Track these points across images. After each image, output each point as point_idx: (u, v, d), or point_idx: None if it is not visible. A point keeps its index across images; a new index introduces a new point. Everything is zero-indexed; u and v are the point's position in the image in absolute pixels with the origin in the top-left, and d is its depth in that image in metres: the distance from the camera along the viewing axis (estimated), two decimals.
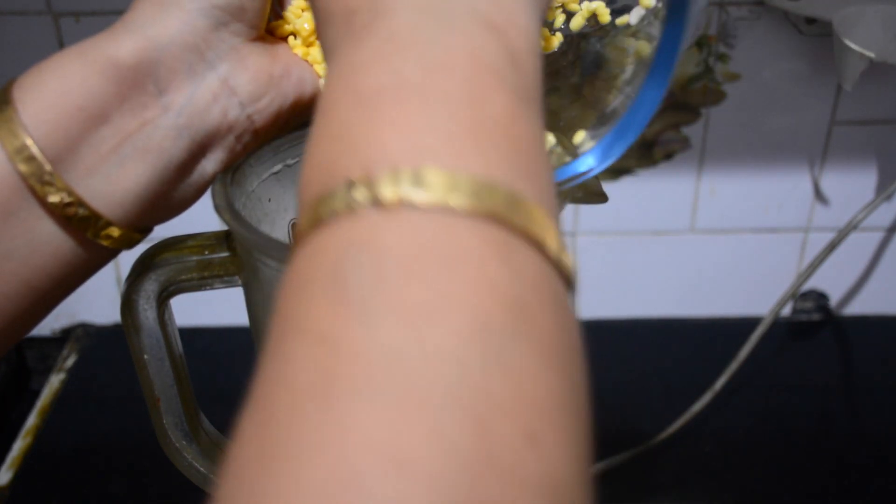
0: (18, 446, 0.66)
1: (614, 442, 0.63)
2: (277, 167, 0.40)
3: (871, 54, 0.58)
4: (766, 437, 0.66)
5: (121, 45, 0.31)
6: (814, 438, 0.66)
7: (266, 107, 0.34)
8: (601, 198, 0.40)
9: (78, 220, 0.31)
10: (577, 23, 0.36)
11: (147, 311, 0.39)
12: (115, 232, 0.32)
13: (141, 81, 0.31)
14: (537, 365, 0.19)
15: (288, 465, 0.17)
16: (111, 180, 0.31)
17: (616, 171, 0.71)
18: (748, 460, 0.64)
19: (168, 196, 0.34)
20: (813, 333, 0.77)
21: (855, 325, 0.77)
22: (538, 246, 0.21)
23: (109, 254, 0.33)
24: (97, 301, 0.75)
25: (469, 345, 0.18)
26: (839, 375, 0.73)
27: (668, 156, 0.71)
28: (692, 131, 0.69)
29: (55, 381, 0.72)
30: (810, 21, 0.64)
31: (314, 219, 0.21)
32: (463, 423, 0.17)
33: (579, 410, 0.20)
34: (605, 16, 0.36)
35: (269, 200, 0.40)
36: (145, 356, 0.40)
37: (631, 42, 0.35)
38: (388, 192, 0.20)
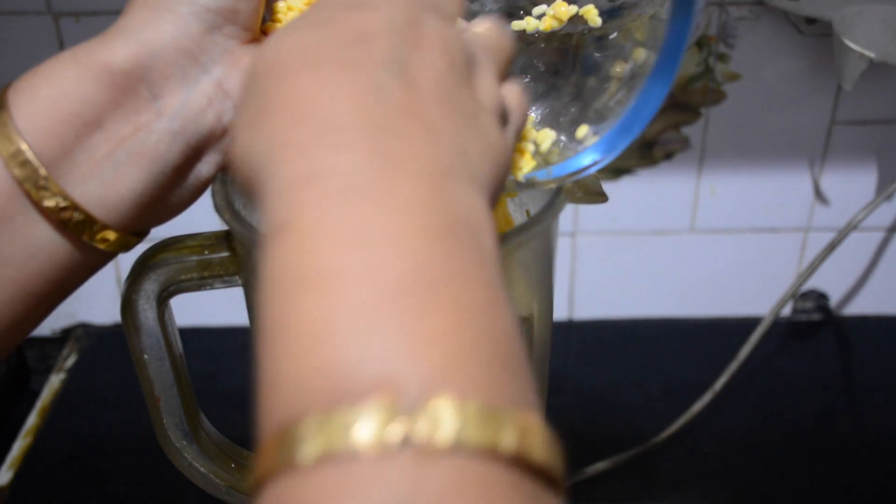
0: (18, 446, 0.66)
1: (614, 442, 0.64)
2: None
3: (871, 54, 0.58)
4: (766, 437, 0.66)
5: (114, 50, 0.31)
6: (814, 438, 0.66)
7: None
8: (601, 198, 0.40)
9: (74, 225, 0.31)
10: (547, 24, 0.36)
11: (147, 311, 0.39)
12: (111, 235, 0.32)
13: (135, 86, 0.31)
14: None
15: None
16: (106, 185, 0.31)
17: (616, 171, 0.71)
18: (748, 460, 0.64)
19: (164, 199, 0.34)
20: (813, 333, 0.77)
21: (855, 325, 0.77)
22: (557, 486, 0.19)
23: (106, 257, 0.33)
24: (97, 301, 0.75)
25: None
26: (839, 375, 0.73)
27: (668, 156, 0.71)
28: (692, 131, 0.69)
29: (55, 381, 0.72)
30: (810, 21, 0.64)
31: (319, 447, 0.17)
32: None
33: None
34: (594, 19, 0.36)
35: None
36: (145, 356, 0.40)
37: (630, 39, 0.35)
38: (428, 430, 0.17)
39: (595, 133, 0.34)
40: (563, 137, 0.35)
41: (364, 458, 0.17)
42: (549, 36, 0.37)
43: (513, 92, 0.30)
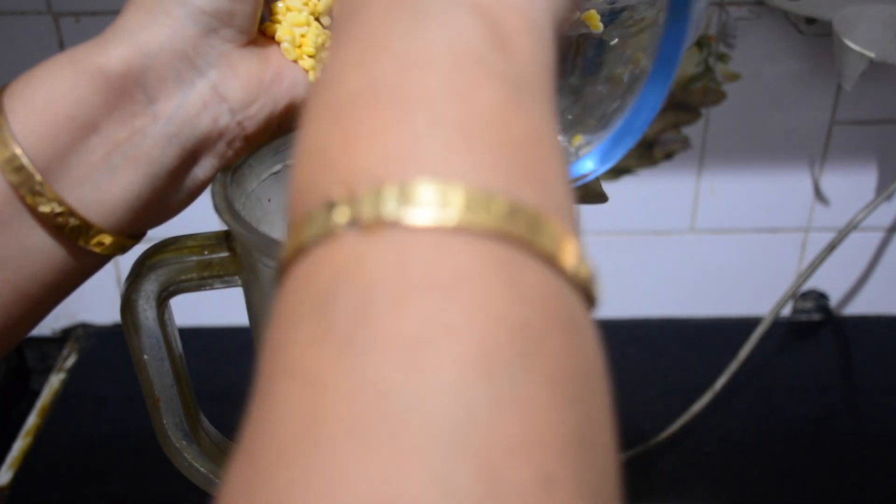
0: (18, 446, 0.66)
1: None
2: (277, 167, 0.40)
3: (871, 54, 0.58)
4: (766, 437, 0.66)
5: (109, 53, 0.31)
6: (814, 438, 0.66)
7: (257, 113, 0.34)
8: (601, 198, 0.40)
9: (69, 230, 0.31)
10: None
11: (147, 311, 0.39)
12: (106, 239, 0.32)
13: (130, 90, 0.31)
14: (549, 397, 0.17)
15: None
16: (102, 189, 0.31)
17: (616, 171, 0.71)
18: (748, 460, 0.64)
19: (159, 203, 0.33)
20: (813, 333, 0.77)
21: (855, 325, 0.77)
22: (549, 259, 0.19)
23: (102, 260, 0.33)
24: (97, 301, 0.75)
25: (471, 378, 0.16)
26: (839, 375, 0.73)
27: (668, 156, 0.71)
28: (692, 131, 0.69)
29: (55, 381, 0.72)
30: (810, 21, 0.64)
31: (296, 246, 0.19)
32: (467, 468, 0.16)
33: (600, 441, 0.18)
34: (596, 23, 0.36)
35: (269, 200, 0.40)
36: (145, 356, 0.40)
37: (630, 45, 0.35)
38: (370, 211, 0.18)
39: (588, 143, 0.34)
40: (561, 142, 0.35)
41: (319, 246, 0.19)
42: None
43: None
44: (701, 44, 0.66)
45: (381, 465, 0.15)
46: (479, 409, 0.16)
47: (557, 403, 0.17)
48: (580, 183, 0.35)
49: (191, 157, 0.33)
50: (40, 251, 0.31)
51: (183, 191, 0.34)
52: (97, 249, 0.32)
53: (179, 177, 0.33)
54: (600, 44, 0.36)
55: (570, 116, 0.36)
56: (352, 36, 0.22)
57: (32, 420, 0.68)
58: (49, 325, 0.76)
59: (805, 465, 0.63)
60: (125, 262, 0.36)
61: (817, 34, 0.65)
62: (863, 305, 0.77)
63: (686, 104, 0.68)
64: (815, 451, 0.65)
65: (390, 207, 0.18)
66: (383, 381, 0.16)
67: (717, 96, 0.68)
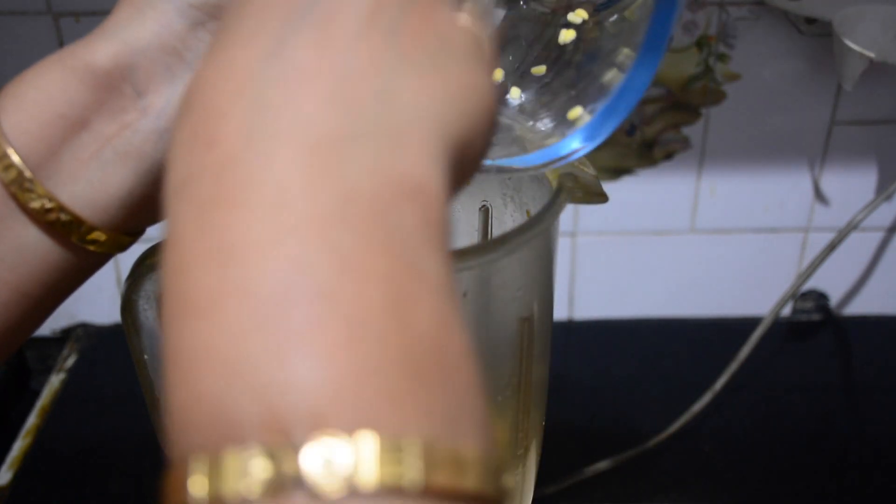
0: (18, 446, 0.66)
1: (614, 442, 0.64)
2: None
3: (871, 54, 0.58)
4: (766, 437, 0.66)
5: (97, 50, 0.31)
6: (814, 438, 0.66)
7: None
8: (601, 198, 0.40)
9: (61, 226, 0.31)
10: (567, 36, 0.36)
11: (147, 311, 0.39)
12: (101, 237, 0.32)
13: (118, 85, 0.31)
14: None
15: None
16: (94, 186, 0.31)
17: (616, 171, 0.71)
18: (748, 460, 0.64)
19: (154, 199, 0.33)
20: (813, 333, 0.77)
21: (855, 325, 0.77)
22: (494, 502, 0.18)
23: (99, 259, 0.33)
24: (97, 301, 0.75)
25: None
26: (839, 375, 0.73)
27: (668, 156, 0.71)
28: (692, 131, 0.69)
29: (55, 381, 0.72)
30: (810, 21, 0.64)
31: (208, 490, 0.16)
32: None
33: None
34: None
35: None
36: (145, 356, 0.40)
37: (627, 23, 0.35)
38: (320, 471, 0.16)
39: (591, 112, 0.34)
40: (547, 123, 0.35)
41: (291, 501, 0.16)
42: (548, 17, 0.37)
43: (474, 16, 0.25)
44: (701, 44, 0.66)
45: None
46: None
47: None
48: (567, 161, 0.34)
49: None
50: (36, 250, 0.31)
51: None
52: (92, 247, 0.32)
53: None
54: (599, 23, 0.36)
55: (573, 93, 0.35)
56: (261, 193, 0.18)
57: (32, 420, 0.68)
58: (49, 325, 0.76)
59: (805, 465, 0.63)
60: (125, 262, 0.36)
61: (817, 34, 0.65)
62: (863, 305, 0.77)
63: (686, 104, 0.68)
64: (815, 451, 0.65)
65: (343, 465, 0.16)
66: None
67: (717, 96, 0.68)
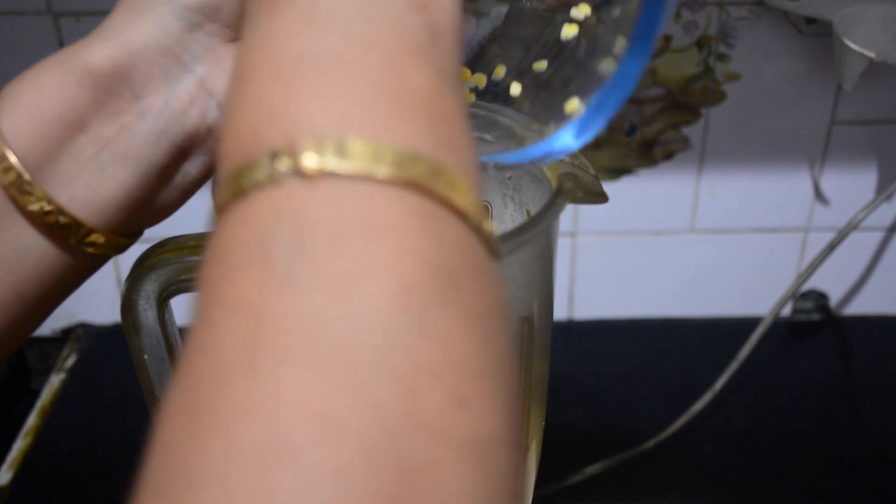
0: (18, 446, 0.66)
1: (614, 442, 0.64)
2: None
3: (871, 54, 0.58)
4: (766, 437, 0.66)
5: (95, 51, 0.31)
6: (814, 438, 0.66)
7: None
8: (601, 198, 0.40)
9: (59, 228, 0.31)
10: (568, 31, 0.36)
11: (147, 311, 0.39)
12: (99, 239, 0.32)
13: (116, 87, 0.31)
14: (463, 329, 0.19)
15: (217, 432, 0.17)
16: (92, 187, 0.31)
17: (616, 171, 0.71)
18: (748, 460, 0.64)
19: (151, 201, 0.33)
20: (813, 333, 0.77)
21: (855, 325, 0.77)
22: (460, 214, 0.21)
23: (98, 260, 0.33)
24: (97, 301, 0.75)
25: (395, 310, 0.19)
26: (839, 375, 0.73)
27: (668, 156, 0.71)
28: (692, 131, 0.69)
29: (55, 381, 0.72)
30: (810, 21, 0.64)
31: (236, 190, 0.21)
32: (390, 387, 0.18)
33: (506, 374, 0.21)
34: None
35: None
36: (145, 356, 0.40)
37: (624, 16, 0.35)
38: (311, 162, 0.20)
39: (587, 103, 0.34)
40: (546, 120, 0.35)
41: (261, 190, 0.20)
42: (549, 14, 0.36)
43: None
44: (701, 44, 0.66)
45: (314, 385, 0.18)
46: (401, 337, 0.18)
47: (470, 336, 0.20)
48: (559, 156, 0.34)
49: (181, 153, 0.33)
50: (34, 251, 0.31)
51: (175, 188, 0.34)
52: (91, 249, 0.32)
53: (171, 174, 0.33)
54: (593, 26, 0.36)
55: (571, 87, 0.35)
56: (296, 7, 0.24)
57: (32, 420, 0.68)
58: (49, 325, 0.76)
59: (805, 464, 0.63)
60: (125, 262, 0.36)
61: (817, 34, 0.65)
62: (863, 305, 0.77)
63: (686, 104, 0.68)
64: (815, 450, 0.65)
65: (329, 160, 0.20)
66: (317, 313, 0.18)
67: (717, 96, 0.68)
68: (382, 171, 0.20)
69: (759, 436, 0.66)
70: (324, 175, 0.20)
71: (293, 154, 0.20)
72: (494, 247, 0.22)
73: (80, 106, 0.31)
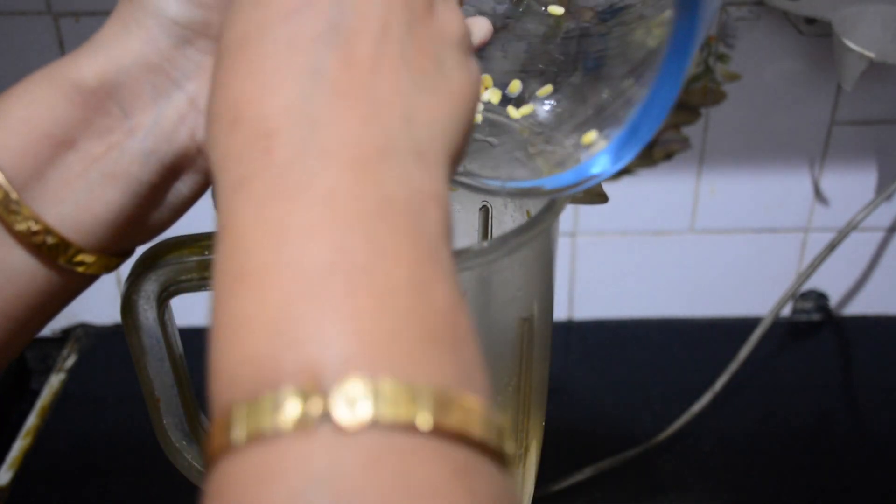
0: (18, 446, 0.66)
1: (614, 442, 0.64)
2: None
3: (871, 54, 0.58)
4: (766, 437, 0.66)
5: (83, 67, 0.30)
6: (814, 438, 0.66)
7: None
8: (601, 198, 0.40)
9: (48, 249, 0.30)
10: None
11: (147, 311, 0.39)
12: (88, 258, 0.31)
13: (105, 104, 0.30)
14: None
15: None
16: (80, 207, 0.30)
17: (616, 172, 0.71)
18: (748, 460, 0.64)
19: (142, 220, 0.33)
20: (813, 333, 0.77)
21: (855, 325, 0.77)
22: (496, 457, 0.20)
23: (87, 280, 0.32)
24: (97, 301, 0.75)
25: None
26: (839, 375, 0.73)
27: (668, 156, 0.71)
28: (692, 131, 0.69)
29: (55, 381, 0.72)
30: (810, 21, 0.64)
31: (252, 432, 0.19)
32: None
33: None
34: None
35: None
36: (145, 356, 0.40)
37: (634, 37, 0.35)
38: (344, 410, 0.18)
39: (606, 137, 0.33)
40: (569, 145, 0.35)
41: (286, 438, 0.18)
42: (551, 35, 0.37)
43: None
44: (701, 44, 0.66)
45: None
46: None
47: None
48: (592, 183, 0.34)
49: (171, 172, 0.32)
50: (22, 272, 0.30)
51: (167, 207, 0.33)
52: (80, 269, 0.31)
53: (161, 193, 0.32)
54: (601, 38, 0.36)
55: (589, 111, 0.35)
56: (312, 191, 0.22)
57: (32, 420, 0.68)
58: (49, 325, 0.76)
59: (805, 465, 0.63)
60: (125, 262, 0.36)
61: (817, 34, 0.65)
62: (863, 305, 0.77)
63: (686, 104, 0.68)
64: (815, 451, 0.65)
65: (363, 406, 0.18)
66: None
67: (717, 96, 0.68)
68: (421, 419, 0.19)
69: (759, 436, 0.66)
70: (359, 425, 0.18)
71: (323, 394, 0.18)
72: (514, 469, 0.22)
73: (69, 123, 0.30)
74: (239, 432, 0.19)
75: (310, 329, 0.20)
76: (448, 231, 0.23)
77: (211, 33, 0.31)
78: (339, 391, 0.18)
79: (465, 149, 0.27)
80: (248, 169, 0.23)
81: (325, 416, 0.18)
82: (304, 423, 0.18)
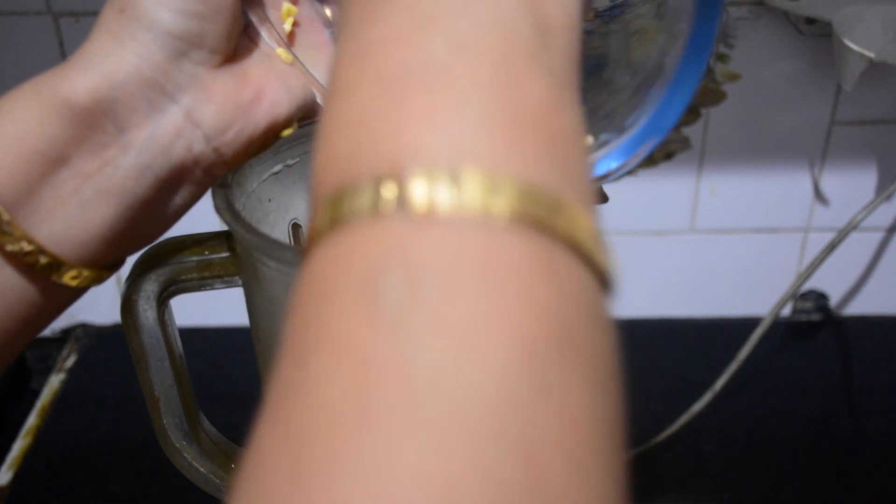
0: (18, 446, 0.66)
1: None
2: (278, 167, 0.40)
3: (871, 54, 0.58)
4: (766, 437, 0.66)
5: (75, 83, 0.29)
6: (814, 438, 0.66)
7: (234, 138, 0.32)
8: (601, 198, 0.40)
9: (41, 268, 0.30)
10: None
11: (147, 311, 0.39)
12: (81, 273, 0.31)
13: (99, 121, 0.30)
14: (584, 392, 0.18)
15: (322, 483, 0.16)
16: (74, 224, 0.30)
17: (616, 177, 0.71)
18: (748, 460, 0.64)
19: (135, 233, 0.32)
20: (813, 333, 0.77)
21: (855, 325, 0.77)
22: (583, 254, 0.20)
23: (78, 292, 0.32)
24: (97, 301, 0.75)
25: (516, 372, 0.17)
26: (839, 375, 0.73)
27: (668, 156, 0.71)
28: (692, 131, 0.69)
29: (55, 381, 0.72)
30: (810, 21, 0.64)
31: (334, 217, 0.19)
32: (512, 456, 0.16)
33: (618, 430, 0.19)
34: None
35: (270, 200, 0.40)
36: (145, 356, 0.40)
37: (636, 40, 0.35)
38: (421, 194, 0.18)
39: (603, 143, 0.33)
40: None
41: (363, 221, 0.19)
42: None
43: None
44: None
45: (430, 446, 0.16)
46: (523, 400, 0.17)
47: (590, 398, 0.18)
48: (601, 183, 0.33)
49: (167, 186, 0.32)
50: (12, 288, 0.30)
51: (161, 218, 0.33)
52: (73, 283, 0.31)
53: (155, 207, 0.32)
54: (601, 38, 0.36)
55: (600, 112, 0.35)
56: (396, 6, 0.22)
57: (32, 420, 0.68)
58: (49, 326, 0.76)
59: (805, 465, 0.63)
60: (125, 262, 0.36)
61: (817, 34, 0.65)
62: (863, 305, 0.77)
63: None
64: (815, 451, 0.65)
65: (442, 192, 0.18)
66: (433, 365, 0.17)
67: (717, 96, 0.68)
68: (500, 206, 0.18)
69: (758, 436, 0.66)
70: (436, 210, 0.18)
71: (400, 182, 0.18)
72: (613, 287, 0.21)
73: (61, 141, 0.29)
74: (321, 220, 0.19)
75: (388, 127, 0.20)
76: (554, 28, 0.22)
77: (206, 44, 0.30)
78: (416, 177, 0.18)
79: None
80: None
81: (402, 201, 0.18)
82: (380, 207, 0.18)
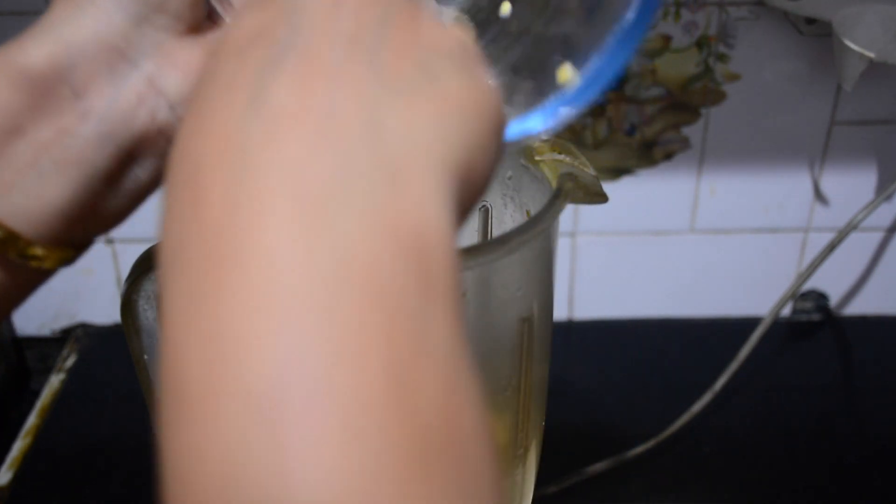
0: (18, 446, 0.66)
1: (614, 442, 0.63)
2: None
3: (871, 54, 0.58)
4: (766, 437, 0.66)
5: (31, 51, 0.28)
6: (814, 438, 0.66)
7: None
8: (601, 198, 0.40)
9: None
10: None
11: (147, 311, 0.39)
12: (41, 251, 0.29)
13: (55, 87, 0.29)
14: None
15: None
16: (31, 196, 0.29)
17: (616, 171, 0.71)
18: (748, 460, 0.64)
19: (98, 209, 0.31)
20: (813, 333, 0.77)
21: (855, 325, 0.77)
22: None
23: (42, 275, 0.31)
24: (97, 301, 0.75)
25: None
26: (839, 375, 0.73)
27: (668, 156, 0.71)
28: (692, 131, 0.69)
29: (55, 381, 0.72)
30: (810, 21, 0.64)
31: None
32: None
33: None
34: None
35: None
36: (145, 356, 0.40)
37: None
38: None
39: (581, 72, 0.31)
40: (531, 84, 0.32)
41: None
42: None
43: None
44: (701, 44, 0.66)
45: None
46: None
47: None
48: (526, 139, 0.31)
49: (128, 157, 0.30)
50: None
51: (124, 195, 0.31)
52: (34, 263, 0.29)
53: (118, 179, 0.31)
54: None
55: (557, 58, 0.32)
56: (245, 274, 0.18)
57: (32, 420, 0.68)
58: (49, 326, 0.77)
59: (805, 464, 0.63)
60: (125, 262, 0.36)
61: (817, 34, 0.65)
62: (863, 305, 0.77)
63: (686, 104, 0.68)
64: (815, 451, 0.65)
65: None
66: None
67: (717, 96, 0.68)
68: None
69: (759, 436, 0.66)
70: None
71: None
72: None
73: (17, 110, 0.28)
74: None
75: (268, 482, 0.16)
76: (437, 284, 0.18)
77: (169, 9, 0.29)
78: None
79: (486, 171, 0.22)
80: (180, 233, 0.20)
81: None
82: None
